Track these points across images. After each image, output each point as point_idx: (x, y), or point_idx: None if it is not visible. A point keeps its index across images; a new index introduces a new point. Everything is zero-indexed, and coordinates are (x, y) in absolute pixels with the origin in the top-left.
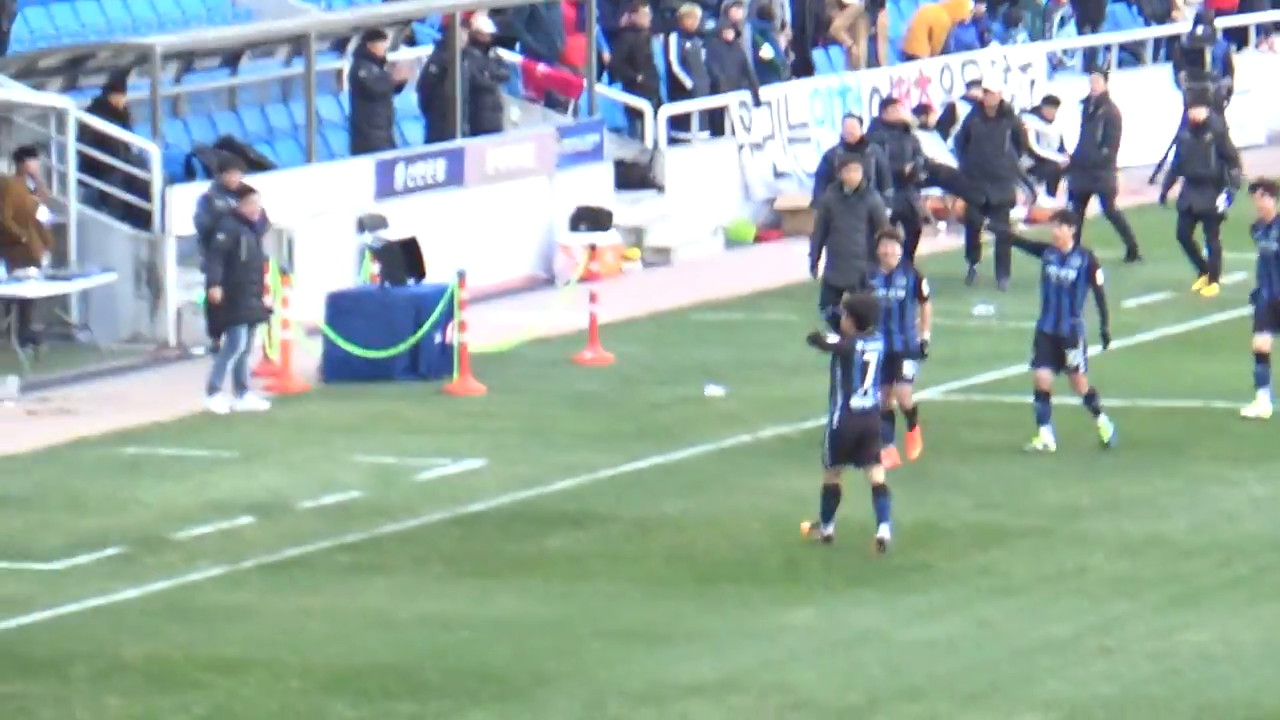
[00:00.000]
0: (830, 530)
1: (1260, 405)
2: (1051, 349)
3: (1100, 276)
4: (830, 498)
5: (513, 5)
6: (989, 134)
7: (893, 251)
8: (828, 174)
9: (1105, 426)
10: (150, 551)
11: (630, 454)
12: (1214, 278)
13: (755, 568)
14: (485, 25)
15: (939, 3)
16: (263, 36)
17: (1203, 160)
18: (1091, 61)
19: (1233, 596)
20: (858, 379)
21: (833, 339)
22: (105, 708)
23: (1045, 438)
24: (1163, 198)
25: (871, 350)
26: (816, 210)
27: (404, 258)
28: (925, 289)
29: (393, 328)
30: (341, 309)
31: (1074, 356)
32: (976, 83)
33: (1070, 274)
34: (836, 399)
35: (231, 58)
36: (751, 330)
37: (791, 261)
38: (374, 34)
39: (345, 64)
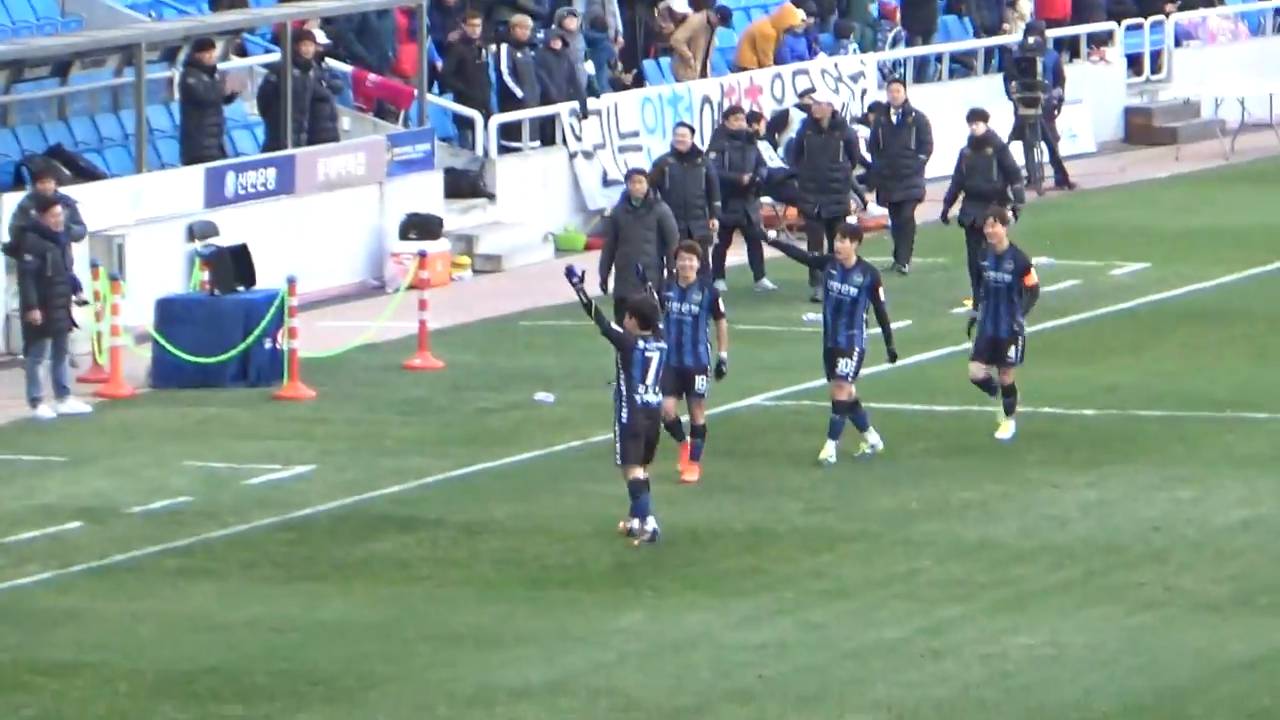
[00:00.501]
0: (651, 526)
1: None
2: (831, 362)
3: (882, 293)
4: (638, 492)
5: (343, 14)
6: (823, 146)
7: (690, 265)
8: (660, 181)
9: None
10: None
11: (459, 459)
12: None
13: (584, 571)
14: (317, 36)
15: (765, 16)
16: (93, 46)
17: (984, 175)
18: (891, 71)
19: (1063, 600)
20: (638, 376)
21: (616, 329)
22: None
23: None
24: (944, 215)
25: (653, 351)
26: (604, 223)
27: (234, 265)
28: (721, 306)
29: (223, 334)
30: (172, 315)
31: (843, 365)
32: (810, 91)
33: (851, 290)
34: (620, 392)
35: (61, 67)
36: (581, 338)
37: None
38: (204, 43)
39: (175, 73)
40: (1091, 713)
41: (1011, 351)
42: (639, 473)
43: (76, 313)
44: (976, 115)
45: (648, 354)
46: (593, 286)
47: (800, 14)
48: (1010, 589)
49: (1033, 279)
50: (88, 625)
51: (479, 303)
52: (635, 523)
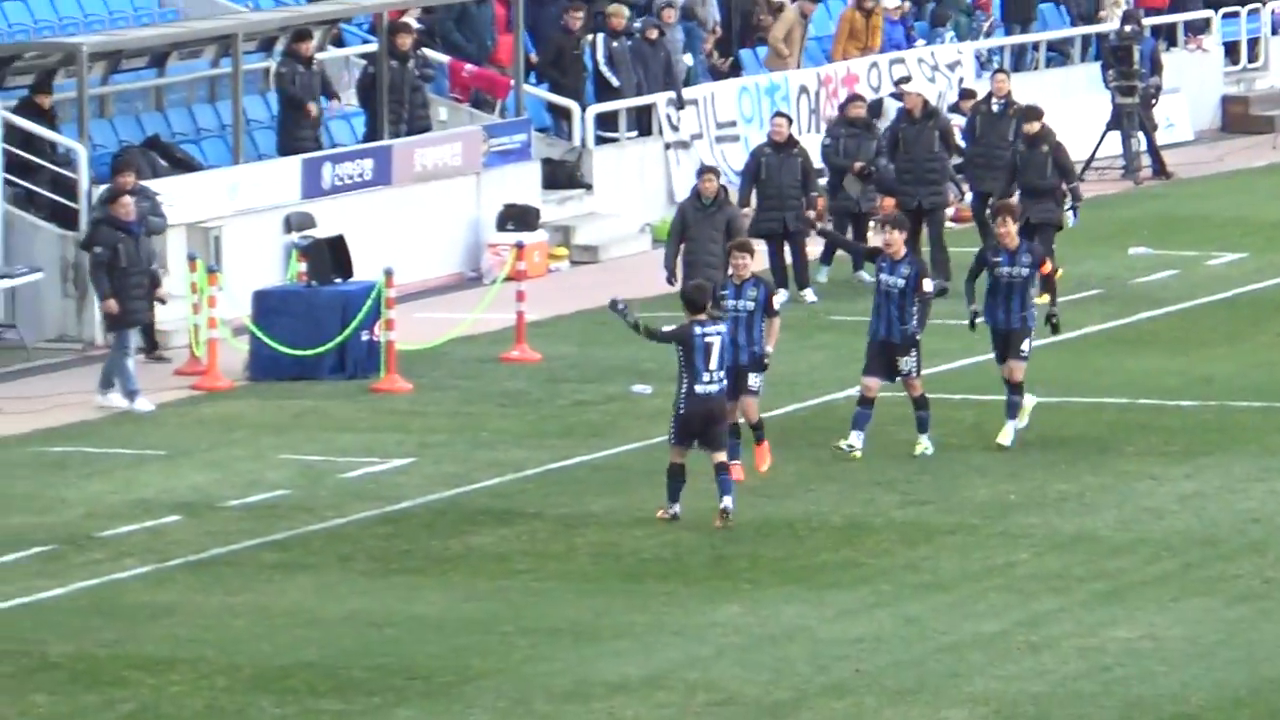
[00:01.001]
0: (676, 509)
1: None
2: (882, 356)
3: (927, 284)
4: (674, 478)
5: (442, 4)
6: (917, 136)
7: (744, 264)
8: (756, 172)
9: (925, 444)
10: (76, 550)
11: (557, 452)
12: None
13: (681, 564)
14: (412, 25)
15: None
16: (189, 37)
17: (1039, 172)
18: (989, 61)
19: (1160, 593)
20: (700, 363)
21: (669, 329)
22: (32, 705)
23: (854, 440)
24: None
25: (713, 334)
26: (674, 219)
27: (331, 256)
28: (776, 303)
29: (320, 326)
30: (268, 307)
31: (906, 363)
32: (906, 79)
33: (899, 281)
34: (681, 384)
35: (158, 58)
36: None
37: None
38: (301, 34)
39: (272, 63)
40: (1189, 705)
41: (1025, 344)
42: (681, 459)
43: (159, 309)
44: (1030, 114)
45: (707, 339)
46: (661, 283)
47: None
48: (1107, 581)
49: (1049, 267)
50: (185, 620)
51: (576, 294)
52: (675, 508)
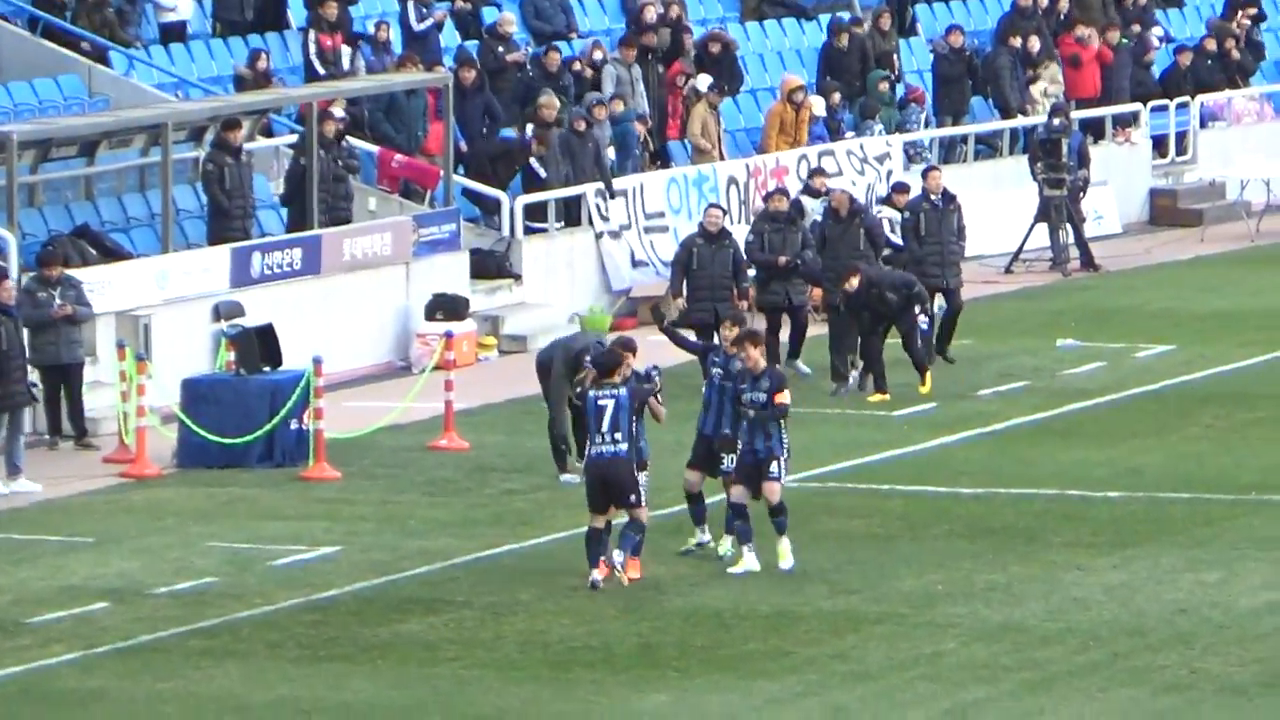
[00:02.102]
0: (595, 575)
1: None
2: (706, 451)
3: (782, 397)
4: (589, 541)
5: (371, 94)
6: (842, 234)
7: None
8: (687, 262)
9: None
10: (5, 636)
11: (485, 541)
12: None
13: (609, 653)
14: (336, 114)
15: (775, 99)
16: (119, 126)
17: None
18: (949, 152)
19: (1088, 683)
20: (593, 426)
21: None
22: None
23: (699, 535)
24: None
25: (606, 399)
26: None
27: (260, 345)
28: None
29: (248, 414)
30: (197, 395)
31: (727, 461)
32: (819, 171)
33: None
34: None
35: (88, 147)
36: None
37: (645, 350)
38: (230, 123)
39: (201, 153)
40: None
41: (774, 466)
42: (594, 523)
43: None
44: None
45: (601, 403)
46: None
47: (818, 101)
48: (1036, 671)
49: (782, 399)
50: (113, 706)
51: (505, 383)
52: (595, 574)
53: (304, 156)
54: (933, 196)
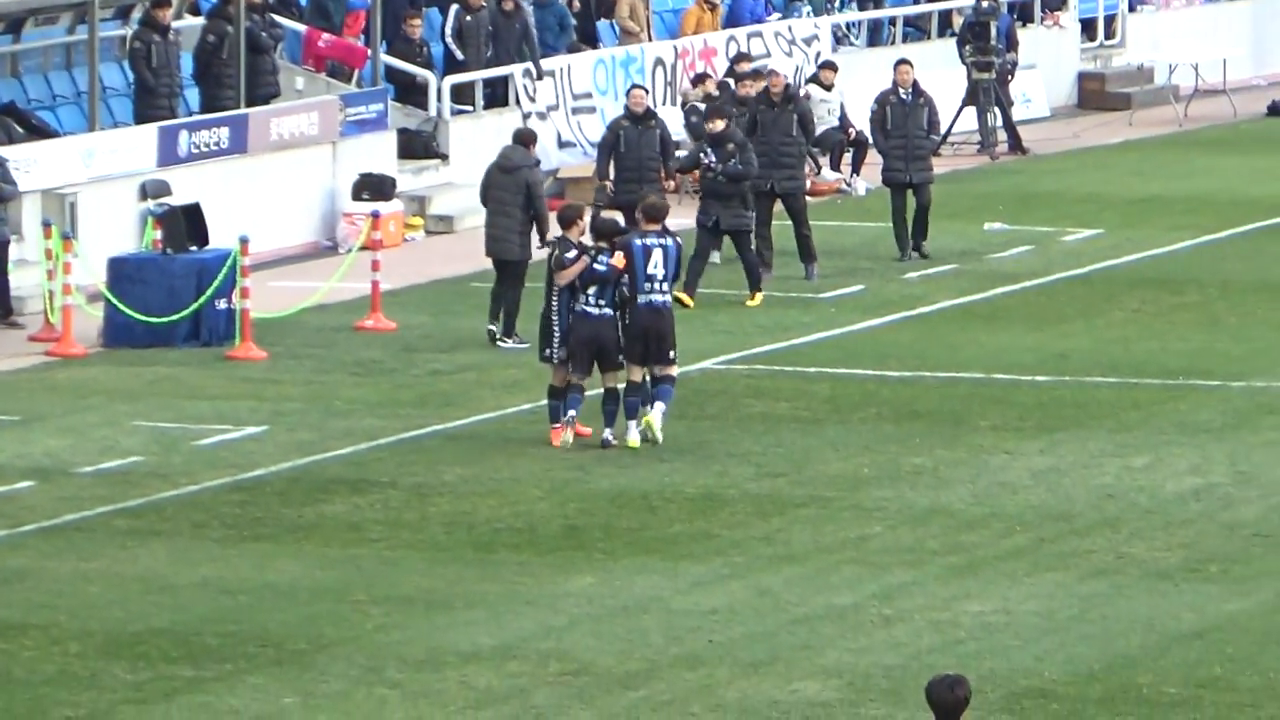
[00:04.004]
0: (566, 431)
1: None
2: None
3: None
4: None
5: None
6: (774, 120)
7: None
8: (614, 144)
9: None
10: None
11: (411, 421)
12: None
13: (535, 535)
14: None
15: None
16: (46, 3)
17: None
18: (876, 35)
19: (1013, 567)
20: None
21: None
22: None
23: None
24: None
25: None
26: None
27: (186, 224)
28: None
29: (175, 294)
30: (124, 275)
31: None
32: (743, 56)
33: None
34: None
35: (14, 24)
36: (532, 299)
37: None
38: (159, 1)
39: (129, 31)
40: (1042, 679)
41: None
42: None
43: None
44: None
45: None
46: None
47: None
48: (961, 556)
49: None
50: (37, 585)
51: (431, 264)
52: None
53: (212, 34)
54: (901, 90)
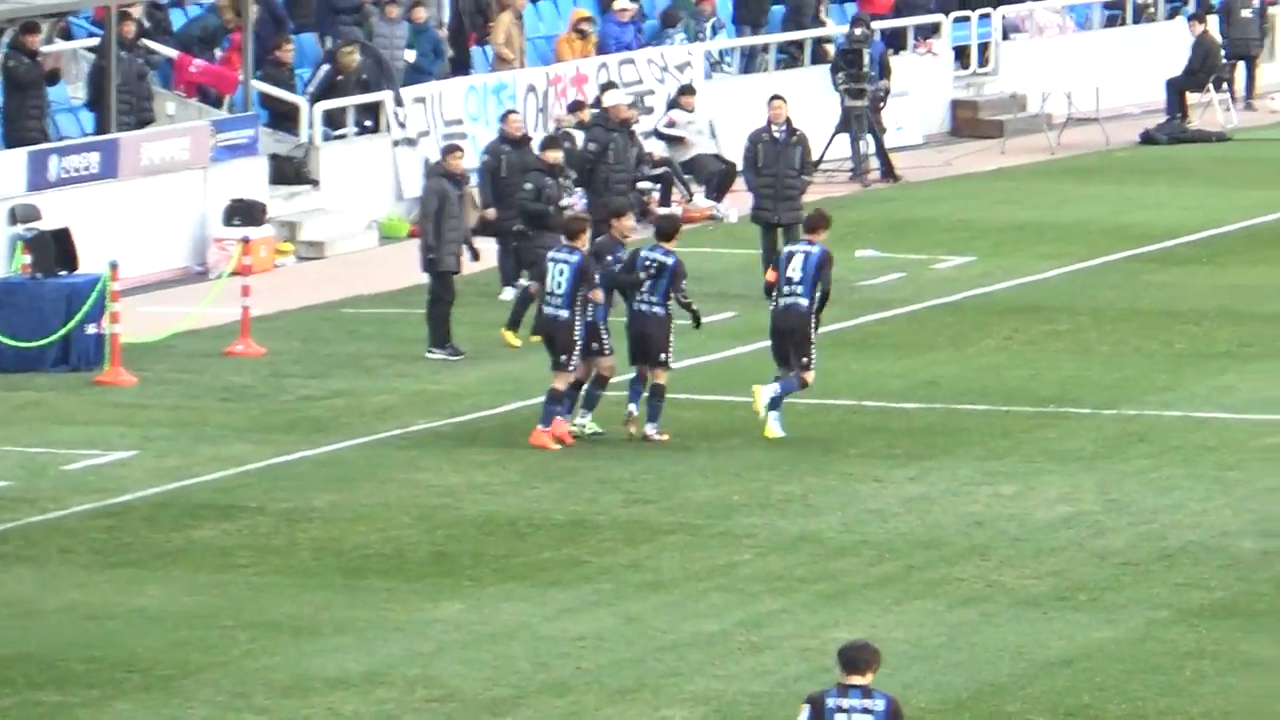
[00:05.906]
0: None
1: None
2: None
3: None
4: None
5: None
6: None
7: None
8: (496, 169)
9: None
10: None
11: (280, 447)
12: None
13: (403, 561)
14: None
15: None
16: None
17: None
18: (750, 62)
19: (882, 595)
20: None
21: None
22: None
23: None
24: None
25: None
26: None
27: (56, 248)
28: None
29: (44, 319)
30: None
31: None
32: (610, 86)
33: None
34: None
35: None
36: (404, 325)
37: None
38: (29, 26)
39: None
40: (910, 708)
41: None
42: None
43: None
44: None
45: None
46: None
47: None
48: (830, 583)
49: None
50: None
51: (302, 290)
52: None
53: (103, 59)
54: (774, 127)
